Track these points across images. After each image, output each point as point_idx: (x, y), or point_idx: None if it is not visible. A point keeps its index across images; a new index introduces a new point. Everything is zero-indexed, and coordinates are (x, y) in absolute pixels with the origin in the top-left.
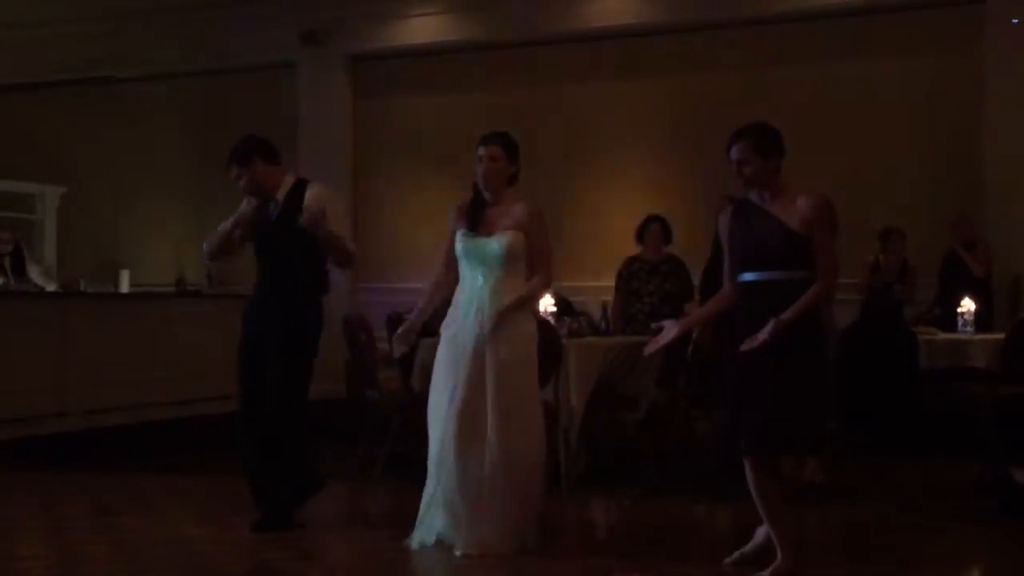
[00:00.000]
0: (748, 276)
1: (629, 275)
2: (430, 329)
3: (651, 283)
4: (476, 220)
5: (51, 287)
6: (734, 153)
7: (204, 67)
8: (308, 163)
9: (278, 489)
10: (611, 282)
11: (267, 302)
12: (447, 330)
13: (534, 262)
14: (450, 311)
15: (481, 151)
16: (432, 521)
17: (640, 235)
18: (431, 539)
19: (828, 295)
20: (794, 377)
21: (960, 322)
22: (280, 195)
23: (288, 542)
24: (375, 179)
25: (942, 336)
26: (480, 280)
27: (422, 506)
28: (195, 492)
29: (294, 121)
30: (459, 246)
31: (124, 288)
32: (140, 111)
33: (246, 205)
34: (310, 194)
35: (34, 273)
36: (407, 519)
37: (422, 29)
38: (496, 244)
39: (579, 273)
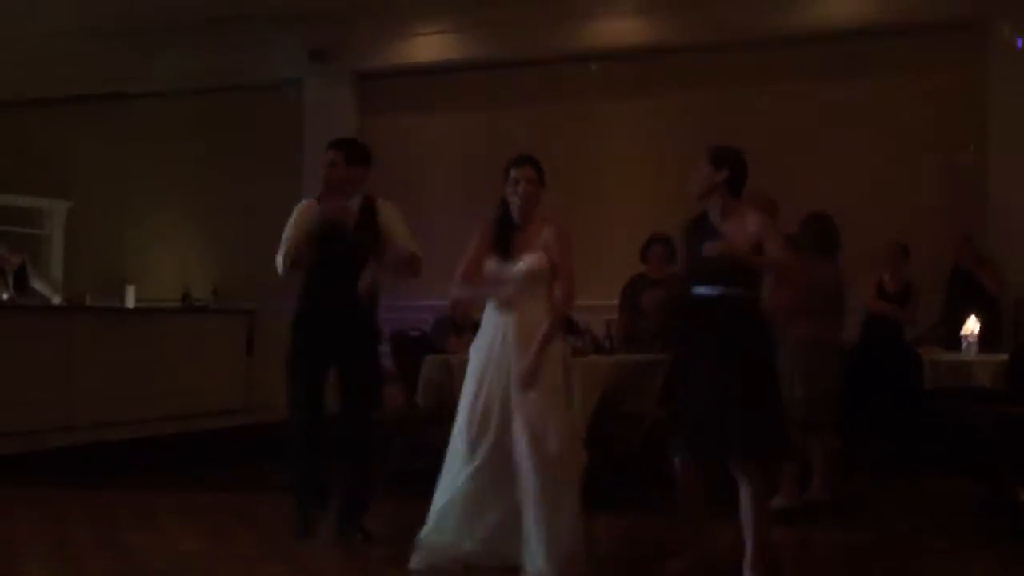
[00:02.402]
0: (697, 290)
1: (633, 293)
2: (433, 346)
3: (657, 301)
4: (506, 247)
5: (56, 300)
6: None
7: (211, 84)
8: (314, 180)
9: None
10: (615, 300)
11: (348, 318)
12: (477, 351)
13: (555, 281)
14: (480, 334)
15: (515, 173)
16: (448, 533)
17: (644, 254)
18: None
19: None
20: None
21: (964, 343)
22: (352, 205)
23: (289, 558)
24: (380, 196)
25: (946, 356)
26: (507, 306)
27: (436, 525)
28: (199, 507)
29: (300, 138)
30: (489, 272)
31: (130, 303)
32: (147, 127)
33: (311, 225)
34: (386, 216)
35: (38, 285)
36: (410, 536)
37: (428, 48)
38: (522, 266)
39: (583, 291)
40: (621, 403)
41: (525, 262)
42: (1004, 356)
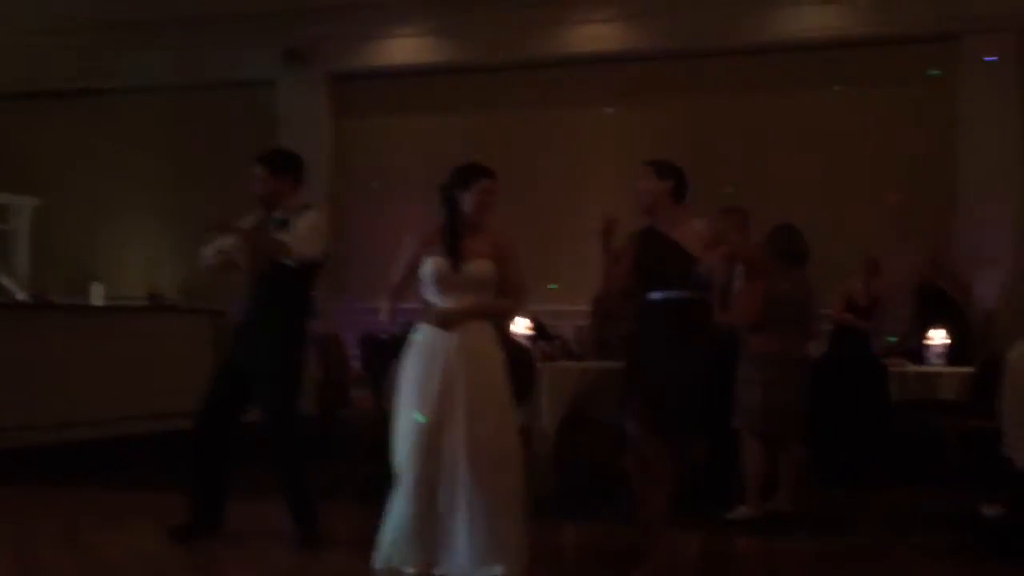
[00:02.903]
0: (653, 295)
1: (606, 300)
2: (403, 350)
3: (625, 308)
4: (456, 251)
5: (21, 297)
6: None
7: (184, 82)
8: None
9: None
10: (586, 306)
11: (255, 324)
12: (414, 355)
13: (506, 289)
14: (420, 335)
15: (489, 184)
16: (406, 544)
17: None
18: (402, 561)
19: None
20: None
21: (929, 355)
22: (279, 215)
23: (256, 561)
24: (353, 198)
25: (912, 368)
26: (451, 306)
27: (392, 528)
28: (164, 508)
29: (273, 139)
30: (433, 275)
31: (97, 301)
32: (118, 124)
33: (240, 239)
34: (299, 222)
35: (4, 281)
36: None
37: (404, 50)
38: (472, 272)
39: (554, 297)
40: (591, 409)
41: (475, 268)
42: (970, 369)
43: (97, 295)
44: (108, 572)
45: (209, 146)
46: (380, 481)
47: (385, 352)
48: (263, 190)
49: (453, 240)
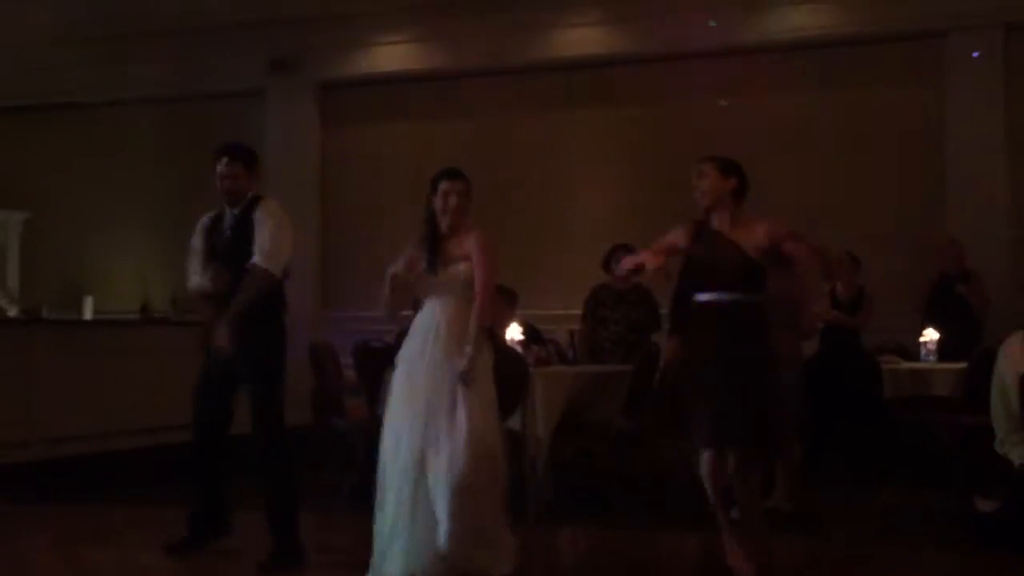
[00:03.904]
0: (704, 296)
1: (596, 303)
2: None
3: (618, 312)
4: (434, 259)
5: (12, 311)
6: (695, 170)
7: (172, 94)
8: (276, 190)
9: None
10: (578, 310)
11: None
12: (404, 362)
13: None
14: (406, 342)
15: (446, 186)
16: (396, 556)
17: (607, 264)
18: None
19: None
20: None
21: (923, 351)
22: (237, 209)
23: (253, 574)
24: (343, 207)
25: (905, 365)
26: (436, 311)
27: (381, 542)
28: (160, 523)
29: (262, 148)
30: (417, 281)
31: (88, 315)
32: (107, 137)
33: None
34: (260, 212)
35: None
36: (370, 548)
37: (391, 58)
38: (447, 276)
39: (546, 301)
40: (585, 413)
41: (452, 272)
42: (962, 365)
43: (88, 309)
44: None
45: (198, 157)
46: (374, 491)
47: (378, 360)
48: (238, 187)
49: (430, 245)
